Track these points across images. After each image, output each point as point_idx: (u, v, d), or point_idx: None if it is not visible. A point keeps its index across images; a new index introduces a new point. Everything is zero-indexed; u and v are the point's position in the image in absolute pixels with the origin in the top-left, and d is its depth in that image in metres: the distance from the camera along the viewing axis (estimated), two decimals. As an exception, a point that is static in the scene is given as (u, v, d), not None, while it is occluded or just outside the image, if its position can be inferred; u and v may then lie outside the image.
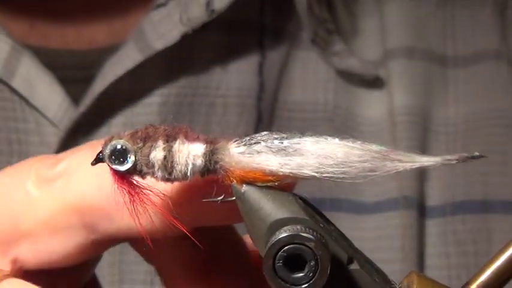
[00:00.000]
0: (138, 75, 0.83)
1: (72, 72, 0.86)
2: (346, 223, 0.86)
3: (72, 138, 0.82)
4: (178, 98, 0.85)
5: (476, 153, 0.49)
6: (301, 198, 0.50)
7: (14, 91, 0.82)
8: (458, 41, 0.93)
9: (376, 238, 0.88)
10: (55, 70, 0.84)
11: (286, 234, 0.46)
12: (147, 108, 0.84)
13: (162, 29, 0.82)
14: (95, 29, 0.87)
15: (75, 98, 0.84)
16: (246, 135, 0.50)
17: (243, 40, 0.87)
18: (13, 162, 0.80)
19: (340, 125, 0.88)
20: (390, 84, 0.90)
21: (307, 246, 0.46)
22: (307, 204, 0.50)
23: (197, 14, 0.81)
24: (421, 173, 0.89)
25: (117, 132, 0.51)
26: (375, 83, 0.90)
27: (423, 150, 0.89)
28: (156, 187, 0.50)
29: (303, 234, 0.46)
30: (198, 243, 0.49)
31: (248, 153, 0.49)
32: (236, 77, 0.86)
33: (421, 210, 0.88)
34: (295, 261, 0.46)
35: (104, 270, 0.83)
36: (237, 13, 0.84)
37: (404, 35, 0.91)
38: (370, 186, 0.88)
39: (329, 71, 0.89)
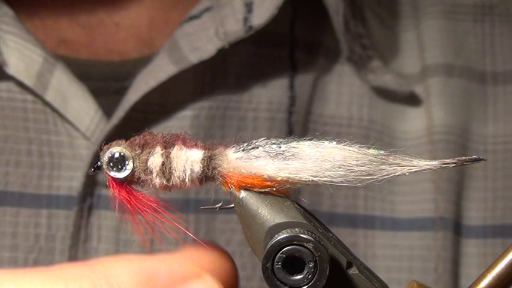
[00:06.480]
0: (170, 88, 0.81)
1: (104, 84, 0.84)
2: (379, 241, 0.84)
3: None
4: (211, 111, 0.83)
5: (474, 156, 0.49)
6: (298, 204, 0.50)
7: (46, 103, 0.81)
8: (497, 57, 0.92)
9: (409, 258, 0.86)
10: (87, 81, 0.83)
11: (285, 236, 0.46)
12: (180, 122, 0.81)
13: (197, 42, 0.81)
14: (123, 41, 0.86)
15: (106, 110, 0.82)
16: (244, 141, 0.50)
17: (273, 54, 0.86)
18: (44, 176, 0.81)
19: (375, 140, 0.86)
20: (429, 102, 0.89)
21: (306, 248, 0.46)
22: (305, 210, 0.50)
23: (234, 29, 0.80)
24: (459, 193, 0.87)
25: None
26: (411, 99, 0.89)
27: (462, 169, 0.87)
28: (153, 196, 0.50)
29: (302, 235, 0.46)
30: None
31: (246, 159, 0.49)
32: (266, 91, 0.85)
33: (457, 230, 0.86)
34: (293, 264, 0.46)
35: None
36: (267, 26, 0.81)
37: (442, 52, 0.90)
38: (404, 205, 0.86)
39: (363, 86, 0.88)
